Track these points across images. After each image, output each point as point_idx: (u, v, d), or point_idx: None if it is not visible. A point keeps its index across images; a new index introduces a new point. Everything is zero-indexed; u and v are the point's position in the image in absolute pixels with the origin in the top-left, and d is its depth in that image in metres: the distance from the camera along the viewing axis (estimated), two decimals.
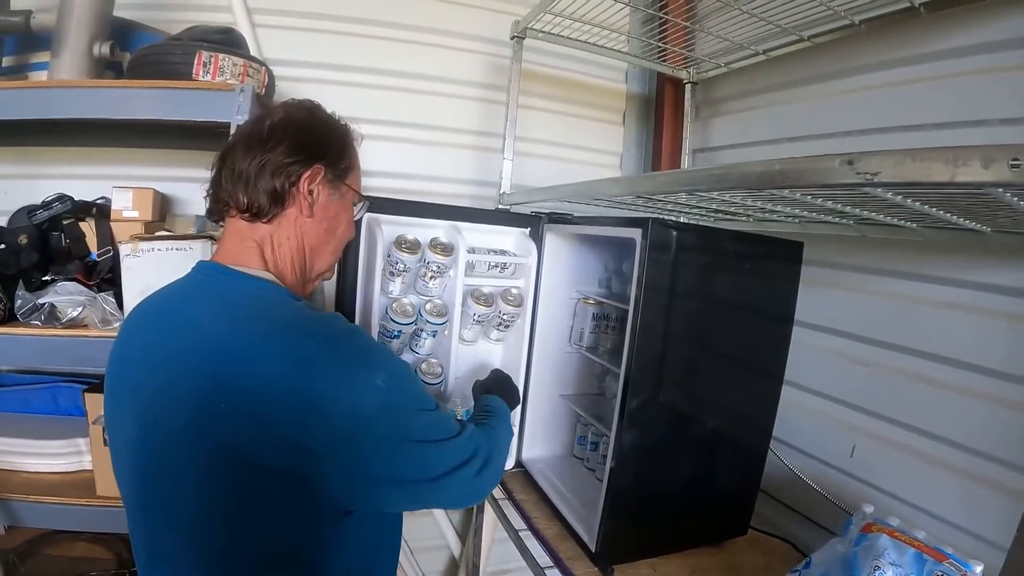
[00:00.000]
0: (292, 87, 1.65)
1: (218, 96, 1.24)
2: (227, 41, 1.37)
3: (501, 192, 1.62)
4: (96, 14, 1.41)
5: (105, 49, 1.41)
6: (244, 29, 1.64)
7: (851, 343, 1.33)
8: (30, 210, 1.38)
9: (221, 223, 0.88)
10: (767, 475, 1.31)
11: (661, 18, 1.53)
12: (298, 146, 0.83)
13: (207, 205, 0.88)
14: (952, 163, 0.51)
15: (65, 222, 1.37)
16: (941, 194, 0.70)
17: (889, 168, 0.56)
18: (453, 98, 1.87)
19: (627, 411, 1.08)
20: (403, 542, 1.92)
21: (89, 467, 1.45)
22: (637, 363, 1.07)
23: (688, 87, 1.82)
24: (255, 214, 0.83)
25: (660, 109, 1.97)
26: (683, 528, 1.24)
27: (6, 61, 1.61)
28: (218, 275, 0.82)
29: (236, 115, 1.22)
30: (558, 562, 1.21)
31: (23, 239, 1.33)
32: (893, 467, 1.21)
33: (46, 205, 1.38)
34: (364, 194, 0.97)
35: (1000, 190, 0.57)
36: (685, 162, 1.86)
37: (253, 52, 1.60)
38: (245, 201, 0.82)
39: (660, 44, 1.65)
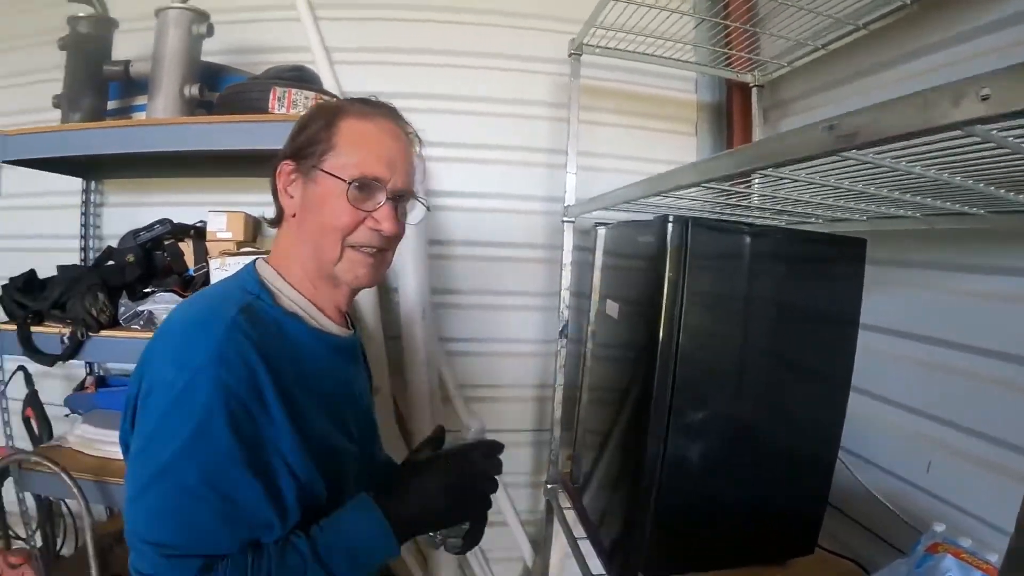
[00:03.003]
0: None
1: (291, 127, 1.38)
2: (299, 77, 1.51)
3: (566, 205, 1.63)
4: (184, 61, 1.62)
5: (194, 90, 1.61)
6: (323, 66, 1.80)
7: (927, 347, 1.23)
8: (135, 232, 1.58)
9: None
10: (836, 489, 1.23)
11: (717, 23, 1.52)
12: (283, 149, 0.86)
13: None
14: (922, 108, 0.47)
15: (167, 242, 1.56)
16: (958, 157, 0.64)
17: (865, 125, 0.53)
18: (521, 118, 1.92)
19: (675, 418, 1.06)
20: (478, 550, 1.99)
21: None
22: (684, 369, 1.05)
23: (755, 91, 1.77)
24: (273, 223, 0.90)
25: (730, 116, 1.92)
26: (741, 543, 1.18)
27: (112, 104, 1.85)
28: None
29: None
30: (610, 570, 1.20)
31: (130, 257, 1.52)
32: (973, 483, 1.10)
33: (149, 228, 1.58)
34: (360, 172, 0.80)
35: (996, 131, 0.51)
36: None
37: (332, 87, 1.76)
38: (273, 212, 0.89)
39: (723, 50, 1.62)
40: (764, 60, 1.64)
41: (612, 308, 1.35)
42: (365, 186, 0.80)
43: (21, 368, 1.81)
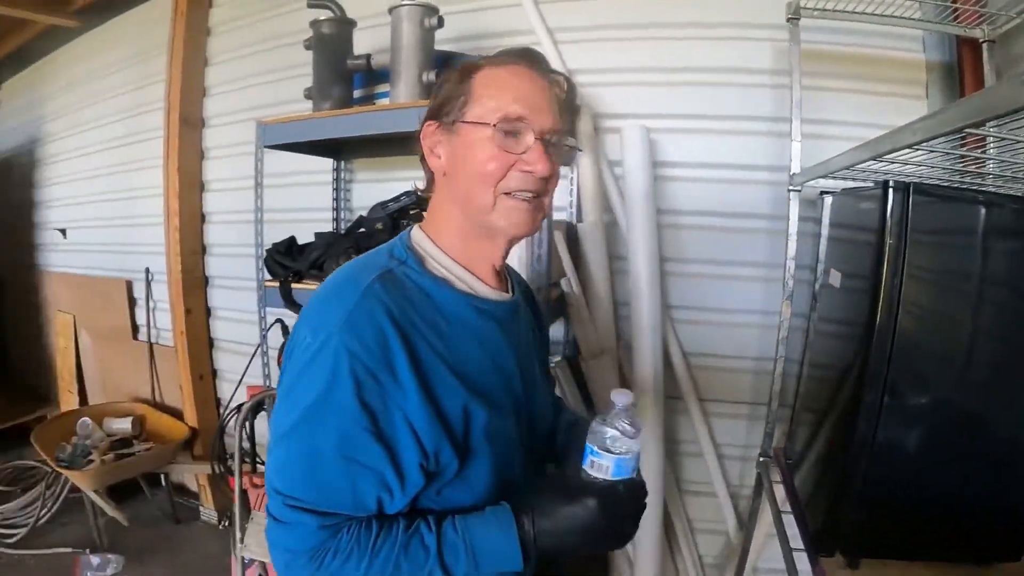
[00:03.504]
0: (595, 92, 1.95)
1: None
2: None
3: (791, 174, 1.60)
4: (419, 51, 1.82)
5: (431, 76, 1.80)
6: (548, 47, 1.93)
7: None
8: (384, 204, 1.82)
9: None
10: None
11: None
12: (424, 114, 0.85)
13: None
14: None
15: (412, 212, 1.78)
16: None
17: None
18: (743, 87, 1.90)
19: (888, 399, 1.03)
20: (684, 518, 2.04)
21: None
22: (901, 348, 1.01)
23: (985, 47, 1.61)
24: (425, 190, 0.88)
25: (962, 75, 1.74)
26: (945, 537, 1.12)
27: (357, 93, 2.13)
28: None
29: None
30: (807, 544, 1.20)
31: (379, 225, 1.76)
32: None
33: (396, 199, 1.81)
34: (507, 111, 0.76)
35: None
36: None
37: (557, 65, 1.88)
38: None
39: (947, 3, 1.50)
40: (993, 12, 1.49)
41: (835, 279, 1.33)
42: (511, 127, 0.76)
43: (279, 321, 2.16)
